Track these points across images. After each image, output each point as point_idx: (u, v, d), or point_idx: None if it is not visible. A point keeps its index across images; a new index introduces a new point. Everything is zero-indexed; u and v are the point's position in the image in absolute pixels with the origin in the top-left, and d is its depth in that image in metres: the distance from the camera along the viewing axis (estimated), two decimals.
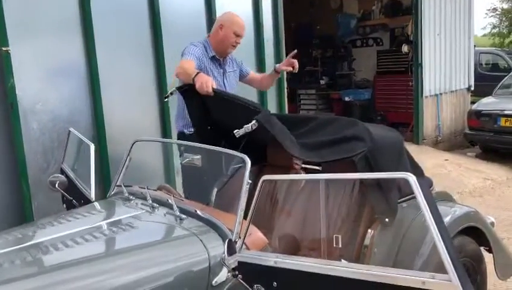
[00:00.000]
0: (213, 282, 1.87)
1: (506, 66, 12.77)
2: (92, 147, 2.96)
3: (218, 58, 3.49)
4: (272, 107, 5.50)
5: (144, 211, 2.32)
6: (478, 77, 10.34)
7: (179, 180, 4.52)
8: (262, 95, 5.34)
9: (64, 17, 3.95)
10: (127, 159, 2.85)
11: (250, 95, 4.88)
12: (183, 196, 2.70)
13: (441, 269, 1.44)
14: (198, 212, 2.18)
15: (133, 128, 4.39)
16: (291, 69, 3.52)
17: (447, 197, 2.88)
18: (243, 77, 3.74)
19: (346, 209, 2.49)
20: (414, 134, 8.17)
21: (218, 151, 2.38)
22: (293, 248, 2.46)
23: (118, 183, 2.81)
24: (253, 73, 3.83)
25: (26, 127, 3.77)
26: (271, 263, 1.72)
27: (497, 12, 23.56)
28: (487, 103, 8.29)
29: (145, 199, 2.43)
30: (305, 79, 10.87)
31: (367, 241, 2.40)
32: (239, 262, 1.78)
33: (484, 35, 26.02)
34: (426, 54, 8.01)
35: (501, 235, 3.51)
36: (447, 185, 6.42)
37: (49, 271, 1.84)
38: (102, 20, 4.11)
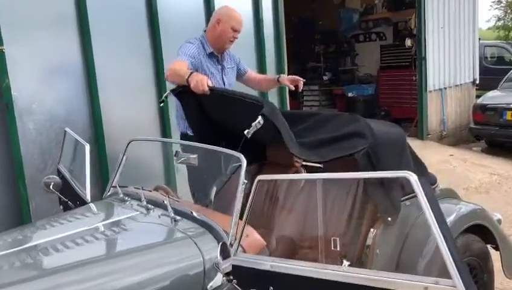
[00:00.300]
0: (208, 286, 1.81)
1: (511, 59, 12.62)
2: (87, 147, 2.89)
3: (216, 54, 3.40)
4: (273, 101, 5.41)
5: (138, 212, 2.26)
6: (483, 70, 10.23)
7: (179, 179, 4.46)
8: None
9: (60, 15, 3.88)
10: (123, 159, 2.79)
11: (251, 90, 4.82)
12: (180, 196, 2.61)
13: (445, 269, 1.37)
14: (194, 213, 2.12)
15: (132, 128, 4.32)
16: (293, 88, 3.41)
17: (451, 195, 2.80)
18: (240, 75, 3.64)
19: (348, 208, 2.41)
20: (418, 129, 8.06)
21: (214, 150, 2.30)
22: (292, 250, 2.39)
23: (113, 184, 2.76)
24: (251, 72, 3.73)
25: (23, 127, 3.71)
26: (267, 267, 1.65)
27: (502, 4, 23.30)
28: (492, 97, 8.18)
29: (140, 200, 2.37)
30: (307, 75, 10.79)
31: (369, 241, 2.32)
32: (234, 266, 1.71)
33: (489, 28, 25.77)
34: (430, 48, 7.90)
35: (508, 232, 3.42)
36: (452, 181, 6.31)
37: (42, 276, 1.79)
38: (99, 18, 4.04)
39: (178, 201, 2.29)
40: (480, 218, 2.66)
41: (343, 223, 2.40)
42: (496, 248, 2.80)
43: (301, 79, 3.40)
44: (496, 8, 23.51)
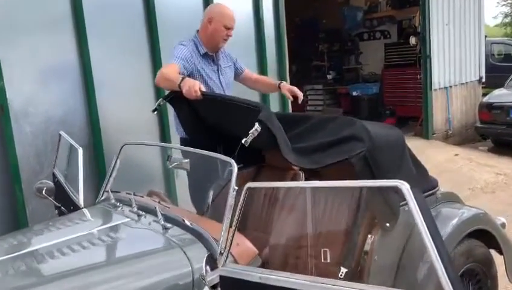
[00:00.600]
0: None
1: None
2: (80, 151, 2.84)
3: (211, 54, 3.32)
4: (274, 104, 5.34)
5: (129, 219, 2.20)
6: (490, 68, 10.10)
7: (178, 183, 4.40)
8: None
9: (56, 16, 3.83)
10: (116, 163, 2.73)
11: (249, 91, 4.75)
12: (179, 201, 2.55)
13: None
14: (186, 221, 2.05)
15: (129, 130, 4.26)
16: (291, 98, 3.34)
17: (454, 198, 2.71)
18: (237, 75, 3.55)
19: (345, 214, 2.33)
20: (423, 128, 7.96)
21: (206, 155, 2.23)
22: (286, 259, 2.32)
23: (106, 189, 2.70)
24: (248, 71, 3.64)
25: (18, 130, 3.67)
26: (255, 279, 1.58)
27: (509, 1, 23.09)
28: (499, 95, 8.05)
29: (136, 205, 2.32)
30: (311, 74, 10.71)
31: (367, 248, 2.25)
32: (221, 277, 1.64)
33: (496, 25, 25.53)
34: (435, 46, 7.79)
35: None
36: (457, 180, 6.23)
37: (26, 287, 1.73)
38: (96, 19, 3.99)
39: (169, 207, 2.22)
40: (483, 223, 2.58)
41: (340, 230, 2.33)
42: (501, 252, 2.72)
43: (300, 93, 3.32)
44: (503, 4, 23.31)
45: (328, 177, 2.64)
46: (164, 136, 4.48)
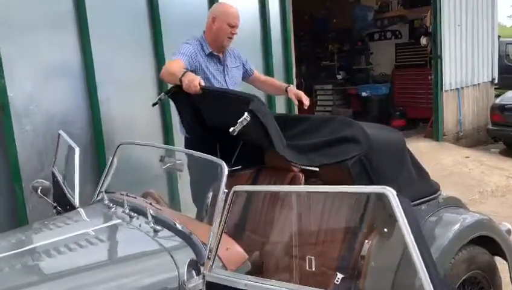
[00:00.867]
0: None
1: None
2: (77, 150, 2.81)
3: (217, 54, 3.29)
4: (280, 105, 5.27)
5: (120, 220, 2.17)
6: (504, 69, 9.92)
7: (181, 184, 4.36)
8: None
9: (58, 14, 3.80)
10: (114, 163, 2.71)
11: (257, 91, 4.68)
12: (165, 203, 2.50)
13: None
14: (177, 224, 2.00)
15: (132, 129, 4.24)
16: (297, 102, 3.29)
17: (456, 203, 2.62)
18: (246, 76, 3.54)
19: (341, 218, 2.27)
20: (434, 130, 7.83)
21: (197, 156, 2.19)
22: (282, 264, 2.26)
23: (101, 189, 2.67)
24: (257, 73, 3.63)
25: (19, 128, 3.65)
26: (241, 286, 1.53)
27: None
28: None
29: (128, 206, 2.28)
30: (321, 74, 10.63)
31: (364, 253, 2.17)
32: (207, 282, 1.59)
33: None
34: (446, 46, 7.65)
35: None
36: (467, 183, 6.12)
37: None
38: (98, 16, 3.94)
39: (161, 209, 2.17)
40: (486, 229, 2.49)
41: (337, 234, 2.26)
42: (505, 260, 2.63)
43: (306, 98, 3.24)
44: None
45: (327, 179, 2.60)
46: (167, 136, 4.44)
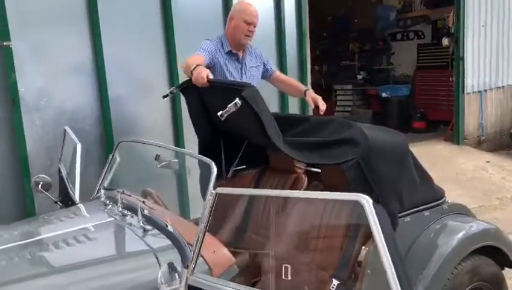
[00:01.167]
0: None
1: None
2: (79, 146, 2.83)
3: (235, 52, 3.28)
4: (294, 105, 5.20)
5: (112, 219, 2.15)
6: None
7: (190, 181, 4.35)
8: (283, 93, 5.04)
9: (69, 9, 3.82)
10: (116, 160, 2.70)
11: (271, 93, 4.63)
12: (162, 202, 2.48)
13: None
14: (168, 225, 1.97)
15: (142, 125, 4.25)
16: (313, 106, 3.28)
17: (462, 211, 2.52)
18: (267, 76, 3.51)
19: (337, 224, 2.20)
20: (454, 133, 7.63)
21: (187, 154, 2.15)
22: (279, 269, 2.21)
23: (101, 186, 2.67)
24: (278, 73, 3.59)
25: (29, 123, 3.69)
26: None
27: None
28: None
29: (122, 204, 2.27)
30: (341, 74, 10.51)
31: (360, 260, 2.11)
32: (189, 286, 1.55)
33: None
34: (469, 47, 7.44)
35: None
36: (486, 189, 5.94)
37: None
38: (110, 12, 3.96)
39: (153, 209, 2.14)
40: (493, 239, 2.39)
41: (333, 241, 2.20)
42: None
43: (323, 104, 3.21)
44: None
45: (329, 182, 2.53)
46: (177, 133, 4.42)
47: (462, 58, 7.37)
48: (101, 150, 4.04)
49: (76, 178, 2.72)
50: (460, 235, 2.29)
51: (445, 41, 7.83)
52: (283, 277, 2.15)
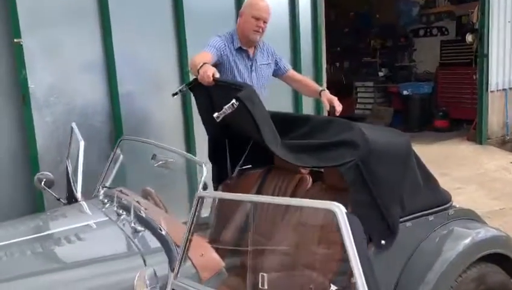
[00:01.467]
0: None
1: None
2: (82, 144, 2.84)
3: (245, 48, 3.22)
4: (308, 105, 5.11)
5: (107, 218, 2.13)
6: None
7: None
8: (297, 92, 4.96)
9: (80, 6, 3.82)
10: (113, 158, 2.69)
11: (285, 92, 4.57)
12: (160, 202, 2.45)
13: None
14: (160, 227, 1.93)
15: (153, 122, 4.24)
16: (328, 107, 3.19)
17: (470, 216, 2.41)
18: (280, 74, 3.43)
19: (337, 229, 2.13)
20: (477, 132, 7.42)
21: (181, 155, 2.12)
22: (276, 275, 2.15)
23: (102, 184, 2.67)
24: (292, 71, 3.50)
25: (39, 120, 3.71)
26: None
27: None
28: None
29: (119, 202, 2.26)
30: (362, 70, 10.35)
31: None
32: None
33: None
34: (494, 44, 7.21)
35: None
36: (508, 191, 5.74)
37: None
38: (120, 7, 3.95)
39: (147, 209, 2.11)
40: (501, 246, 2.28)
41: (332, 246, 2.13)
42: None
43: (339, 105, 3.11)
44: None
45: (332, 183, 2.46)
46: (188, 128, 4.39)
47: (487, 55, 7.15)
48: (111, 147, 4.02)
49: (78, 176, 2.71)
50: (466, 241, 2.18)
51: (469, 37, 7.62)
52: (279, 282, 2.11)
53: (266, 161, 3.09)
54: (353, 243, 1.08)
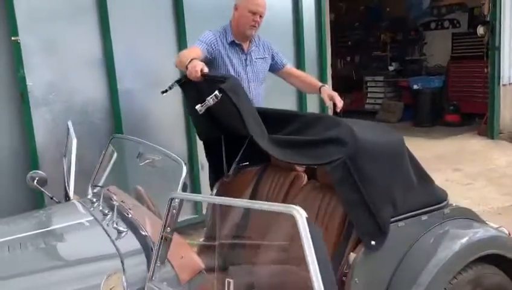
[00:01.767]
0: None
1: None
2: (75, 142, 2.81)
3: (239, 43, 3.15)
4: (313, 104, 5.03)
5: (92, 218, 2.10)
6: None
7: (203, 175, 4.28)
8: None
9: (78, 2, 3.79)
10: (104, 156, 2.66)
11: (289, 91, 4.50)
12: (150, 201, 2.41)
13: None
14: (143, 228, 1.90)
15: (153, 119, 4.20)
16: (328, 103, 3.11)
17: (468, 215, 2.31)
18: (277, 69, 3.34)
19: (328, 231, 2.07)
20: (488, 127, 7.28)
21: (163, 153, 2.08)
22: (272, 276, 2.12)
23: (93, 183, 2.64)
24: (290, 67, 3.40)
25: (38, 118, 3.70)
26: None
27: None
28: None
29: (107, 202, 2.23)
30: (372, 65, 10.22)
31: (347, 269, 1.98)
32: None
33: None
34: (506, 36, 7.05)
35: None
36: None
37: None
38: (119, 3, 3.91)
39: (131, 209, 2.08)
40: (500, 247, 2.18)
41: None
42: None
43: (340, 101, 2.98)
44: None
45: (324, 180, 2.41)
46: (189, 125, 4.35)
47: (498, 48, 7.00)
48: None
49: (71, 174, 2.69)
50: (461, 241, 2.10)
51: (480, 30, 7.45)
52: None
53: (263, 158, 3.05)
54: (312, 248, 1.03)
